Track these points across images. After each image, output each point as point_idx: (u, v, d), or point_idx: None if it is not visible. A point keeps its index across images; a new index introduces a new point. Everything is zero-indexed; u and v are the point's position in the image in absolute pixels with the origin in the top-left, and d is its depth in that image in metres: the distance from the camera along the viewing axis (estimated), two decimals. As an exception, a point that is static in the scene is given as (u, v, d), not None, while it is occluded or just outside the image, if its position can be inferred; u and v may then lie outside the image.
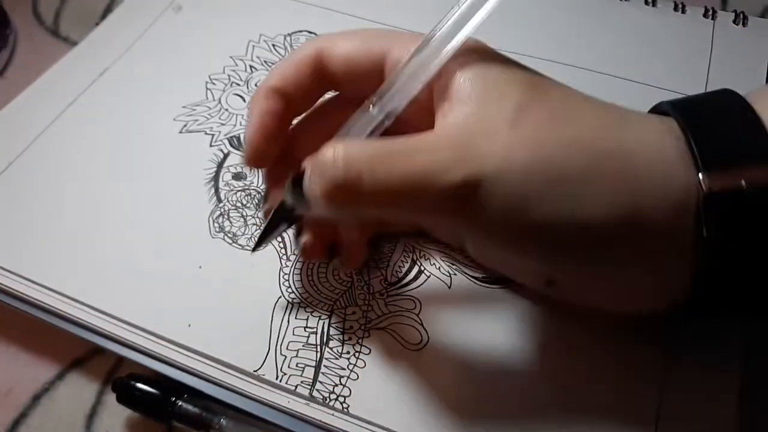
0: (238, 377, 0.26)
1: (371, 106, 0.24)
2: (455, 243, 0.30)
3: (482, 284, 0.29)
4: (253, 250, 0.28)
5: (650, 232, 0.22)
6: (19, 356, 0.30)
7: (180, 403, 0.27)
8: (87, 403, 0.29)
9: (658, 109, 0.25)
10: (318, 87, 0.27)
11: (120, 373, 0.29)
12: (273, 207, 0.26)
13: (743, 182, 0.20)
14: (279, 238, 0.31)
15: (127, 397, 0.27)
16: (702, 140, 0.21)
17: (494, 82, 0.23)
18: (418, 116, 0.24)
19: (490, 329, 0.28)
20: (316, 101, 0.28)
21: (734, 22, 0.39)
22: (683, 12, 0.40)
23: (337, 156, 0.22)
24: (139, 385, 0.27)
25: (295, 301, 0.29)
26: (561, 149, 0.21)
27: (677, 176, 0.21)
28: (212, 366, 0.27)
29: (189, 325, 0.28)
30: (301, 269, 0.30)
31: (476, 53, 0.23)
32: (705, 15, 0.40)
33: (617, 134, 0.22)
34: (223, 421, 0.26)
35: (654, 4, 0.41)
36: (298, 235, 0.28)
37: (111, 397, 0.28)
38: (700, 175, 0.21)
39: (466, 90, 0.23)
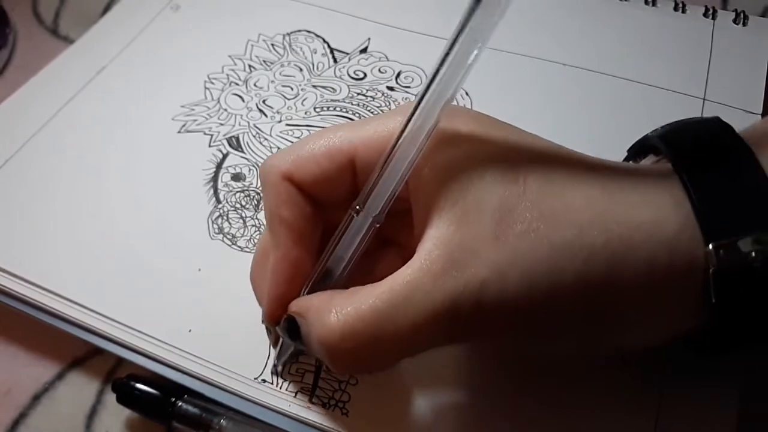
0: (238, 383, 0.26)
1: (355, 214, 0.23)
2: None
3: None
4: (279, 374, 0.27)
5: (655, 315, 0.22)
6: (18, 356, 0.30)
7: (180, 404, 0.27)
8: (87, 403, 0.29)
9: (647, 143, 0.24)
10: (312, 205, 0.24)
11: (120, 374, 0.29)
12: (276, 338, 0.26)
13: (753, 254, 0.20)
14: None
15: (126, 397, 0.27)
16: (708, 211, 0.20)
17: (467, 185, 0.21)
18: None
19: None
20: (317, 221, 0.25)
21: (734, 21, 0.39)
22: (683, 12, 0.40)
23: (339, 330, 0.21)
24: (139, 386, 0.27)
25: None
26: (552, 262, 0.20)
27: (682, 253, 0.20)
28: (213, 371, 0.27)
29: (189, 330, 0.28)
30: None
31: (445, 143, 0.22)
32: (705, 15, 0.40)
33: (610, 224, 0.20)
34: (222, 422, 0.26)
35: (654, 3, 0.41)
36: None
37: (111, 398, 0.28)
38: (709, 249, 0.20)
39: (440, 200, 0.21)
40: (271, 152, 0.34)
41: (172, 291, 0.29)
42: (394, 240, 0.26)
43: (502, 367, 0.27)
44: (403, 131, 0.21)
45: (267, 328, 0.27)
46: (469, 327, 0.21)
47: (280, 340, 0.26)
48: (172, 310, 0.28)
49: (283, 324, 0.24)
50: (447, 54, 0.20)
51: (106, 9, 0.44)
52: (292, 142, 0.35)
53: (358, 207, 0.22)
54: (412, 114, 0.21)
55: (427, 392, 0.26)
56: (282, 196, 0.23)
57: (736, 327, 0.21)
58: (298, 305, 0.23)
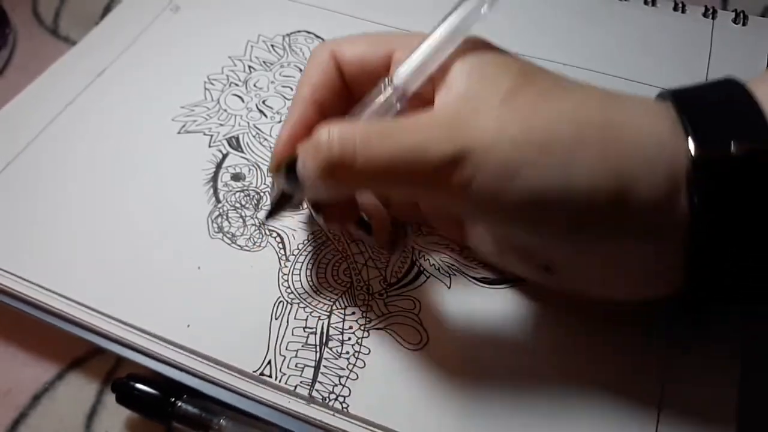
0: (237, 378, 0.26)
1: (384, 86, 0.25)
2: (454, 235, 0.30)
3: (482, 285, 0.29)
4: (263, 223, 0.30)
5: (638, 203, 0.21)
6: (18, 356, 0.30)
7: (179, 404, 0.27)
8: (87, 403, 0.29)
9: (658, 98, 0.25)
10: (344, 88, 0.27)
11: (120, 374, 0.29)
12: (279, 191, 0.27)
13: (732, 148, 0.20)
14: (278, 240, 0.31)
15: (126, 397, 0.27)
16: (694, 113, 0.22)
17: (488, 70, 0.24)
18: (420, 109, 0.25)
19: (489, 329, 0.28)
20: (342, 105, 0.27)
21: (734, 21, 0.39)
22: (683, 11, 0.40)
23: (332, 136, 0.23)
24: (139, 386, 0.27)
25: (294, 301, 0.29)
26: (549, 121, 0.22)
27: (666, 147, 0.21)
28: (211, 366, 0.27)
29: (188, 326, 0.28)
30: (300, 270, 0.30)
31: (474, 45, 0.24)
32: (705, 14, 0.40)
33: (606, 108, 0.23)
34: (222, 421, 0.26)
35: (654, 3, 0.41)
36: (317, 211, 0.29)
37: (111, 398, 0.28)
38: (690, 142, 0.21)
39: (462, 77, 0.24)
40: (271, 152, 0.34)
41: (171, 288, 0.29)
42: None
43: (502, 365, 0.27)
44: (442, 22, 0.25)
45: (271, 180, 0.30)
46: (458, 170, 0.22)
47: (276, 191, 0.27)
48: (171, 306, 0.28)
49: (284, 163, 0.25)
50: None
51: (106, 9, 0.44)
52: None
53: (387, 80, 0.25)
54: (448, 15, 0.24)
55: (427, 387, 0.26)
56: (322, 66, 0.27)
57: (720, 242, 0.21)
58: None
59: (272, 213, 0.27)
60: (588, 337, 0.28)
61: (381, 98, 0.25)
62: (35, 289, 0.29)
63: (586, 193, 0.21)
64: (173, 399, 0.27)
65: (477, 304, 0.29)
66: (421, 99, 0.25)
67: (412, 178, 0.23)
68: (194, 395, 0.27)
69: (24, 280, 0.29)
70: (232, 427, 0.26)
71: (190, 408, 0.27)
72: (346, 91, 0.27)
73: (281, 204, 0.27)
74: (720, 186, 0.21)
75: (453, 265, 0.30)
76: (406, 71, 0.24)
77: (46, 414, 0.29)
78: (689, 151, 0.21)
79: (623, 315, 0.28)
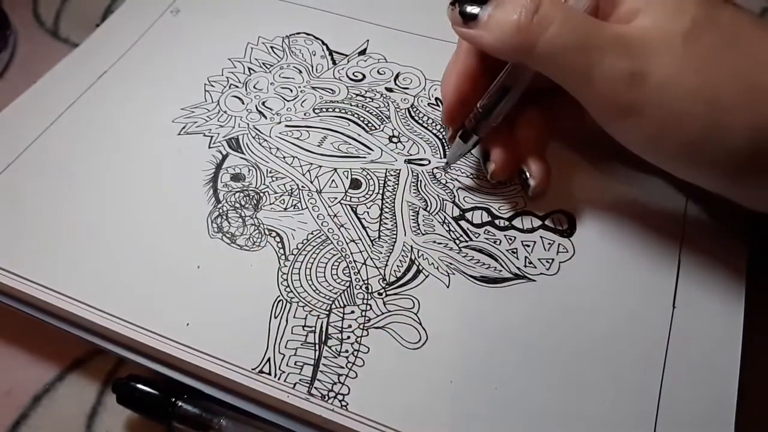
0: (236, 374, 0.26)
1: None
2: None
3: (480, 284, 0.29)
4: (445, 171, 0.33)
5: None
6: (19, 357, 0.30)
7: (180, 404, 0.27)
8: (87, 403, 0.29)
9: None
10: None
11: (120, 374, 0.29)
12: (454, 134, 0.31)
13: None
14: (277, 239, 0.31)
15: (127, 397, 0.27)
16: None
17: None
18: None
19: (488, 328, 0.28)
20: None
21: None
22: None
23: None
24: (140, 386, 0.27)
25: (293, 300, 0.29)
26: (722, 80, 0.24)
27: None
28: (211, 362, 0.27)
29: (187, 324, 0.28)
30: (299, 269, 0.30)
31: None
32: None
33: None
34: (222, 421, 0.26)
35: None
36: (486, 161, 0.32)
37: (111, 398, 0.28)
38: None
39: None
40: (271, 153, 0.34)
41: (171, 287, 0.29)
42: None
43: (500, 365, 0.27)
44: None
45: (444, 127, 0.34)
46: (632, 89, 0.24)
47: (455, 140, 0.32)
48: (171, 305, 0.29)
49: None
50: None
51: (107, 11, 0.45)
52: (291, 143, 0.35)
53: None
54: None
55: (426, 385, 0.26)
56: None
57: None
58: None
59: (452, 158, 0.32)
60: (586, 339, 0.28)
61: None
62: (35, 287, 0.29)
63: (739, 152, 0.24)
64: (174, 399, 0.27)
65: (476, 302, 0.29)
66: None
67: (583, 81, 0.25)
68: (195, 395, 0.27)
69: (24, 278, 0.29)
70: (233, 427, 0.26)
71: (190, 408, 0.27)
72: None
73: (457, 146, 0.31)
74: None
75: (452, 264, 0.30)
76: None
77: (46, 415, 0.29)
78: None
79: (621, 316, 0.28)
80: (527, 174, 0.31)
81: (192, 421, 0.27)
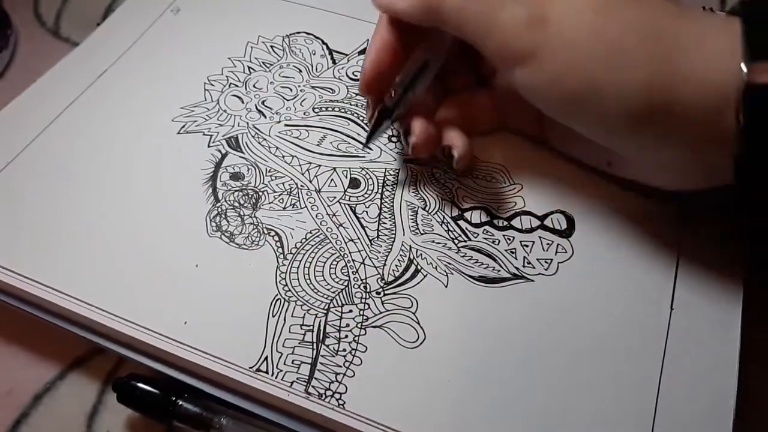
0: (233, 372, 0.27)
1: None
2: (534, 130, 0.33)
3: (479, 284, 0.29)
4: (365, 145, 0.33)
5: (684, 116, 0.24)
6: (19, 356, 0.30)
7: (180, 403, 0.27)
8: (88, 402, 0.29)
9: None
10: None
11: (120, 373, 0.29)
12: (376, 111, 0.31)
13: None
14: (276, 238, 0.31)
15: (127, 396, 0.27)
16: (755, 35, 0.23)
17: None
18: None
19: (485, 328, 0.28)
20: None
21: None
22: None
23: None
24: (140, 385, 0.27)
25: (291, 299, 0.29)
26: (623, 26, 0.24)
27: (722, 65, 0.23)
28: (208, 360, 0.27)
29: (185, 322, 0.28)
30: (297, 268, 0.30)
31: None
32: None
33: (678, 22, 0.24)
34: (223, 420, 0.26)
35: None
36: (406, 135, 0.31)
37: (112, 397, 0.28)
38: (744, 66, 0.22)
39: None
40: (270, 152, 0.34)
41: (169, 285, 0.29)
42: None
43: (498, 364, 0.27)
44: None
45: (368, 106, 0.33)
46: (532, 40, 0.25)
47: (374, 115, 0.31)
48: (169, 303, 0.29)
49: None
50: None
51: (108, 10, 0.45)
52: (291, 142, 0.35)
53: None
54: None
55: (423, 385, 0.27)
56: None
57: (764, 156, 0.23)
58: None
59: (375, 128, 0.31)
60: (584, 338, 0.28)
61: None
62: (33, 285, 0.29)
63: (636, 99, 0.24)
64: (174, 398, 0.27)
65: (474, 302, 0.29)
66: None
67: (486, 29, 0.26)
68: (195, 394, 0.27)
69: (23, 276, 0.29)
70: (233, 426, 0.26)
71: (190, 407, 0.27)
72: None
73: (383, 118, 0.31)
74: (764, 110, 0.23)
75: (450, 263, 0.30)
76: None
77: (47, 414, 0.29)
78: (742, 73, 0.22)
79: (620, 316, 0.28)
80: (451, 147, 0.31)
81: (192, 420, 0.27)
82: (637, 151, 0.27)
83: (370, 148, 0.34)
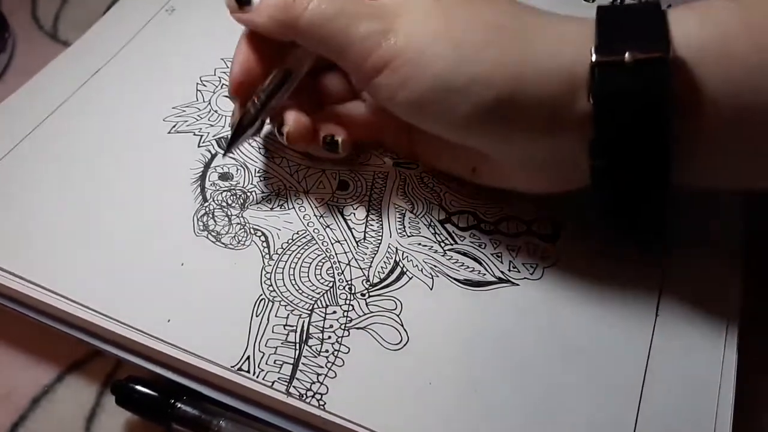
0: (216, 369, 0.27)
1: None
2: (402, 142, 0.34)
3: (463, 286, 0.29)
4: (224, 154, 0.33)
5: (536, 98, 0.24)
6: (18, 359, 0.30)
7: (179, 405, 0.27)
8: (86, 405, 0.29)
9: None
10: None
11: (119, 376, 0.29)
12: (239, 117, 0.31)
13: (627, 55, 0.23)
14: (262, 239, 0.31)
15: (126, 399, 0.27)
16: (604, 26, 0.24)
17: None
18: None
19: (470, 331, 0.28)
20: None
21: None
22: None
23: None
24: (139, 388, 0.27)
25: (275, 299, 0.29)
26: (467, 22, 0.26)
27: (570, 51, 0.24)
28: (191, 357, 0.27)
29: (168, 320, 0.28)
30: (283, 268, 0.30)
31: None
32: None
33: (523, 18, 0.26)
34: (222, 422, 0.26)
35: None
36: (280, 127, 0.31)
37: (110, 400, 0.28)
38: (591, 50, 0.24)
39: None
40: (260, 153, 0.35)
41: (154, 283, 0.29)
42: None
43: (481, 367, 0.27)
44: None
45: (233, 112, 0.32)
46: (383, 53, 0.26)
47: (238, 119, 0.31)
48: (153, 300, 0.29)
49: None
50: None
51: (106, 12, 0.45)
52: (280, 143, 0.35)
53: None
54: None
55: (405, 387, 0.26)
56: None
57: (615, 141, 0.24)
58: None
59: (233, 138, 0.31)
60: (569, 341, 0.28)
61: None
62: (27, 286, 0.29)
63: (484, 92, 0.25)
64: (173, 400, 0.27)
65: (458, 305, 0.29)
66: None
67: (342, 46, 0.27)
68: (194, 397, 0.27)
69: (17, 277, 0.29)
70: (232, 429, 0.26)
71: (189, 409, 0.27)
72: None
73: (247, 125, 0.31)
74: (612, 89, 0.24)
75: (436, 266, 0.30)
76: None
77: (45, 417, 0.29)
78: (590, 56, 0.24)
79: (605, 320, 0.28)
80: (333, 135, 0.31)
81: (191, 423, 0.27)
82: (492, 146, 0.27)
83: (231, 156, 0.34)
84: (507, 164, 0.28)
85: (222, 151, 0.34)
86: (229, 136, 0.31)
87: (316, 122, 0.31)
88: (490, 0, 0.27)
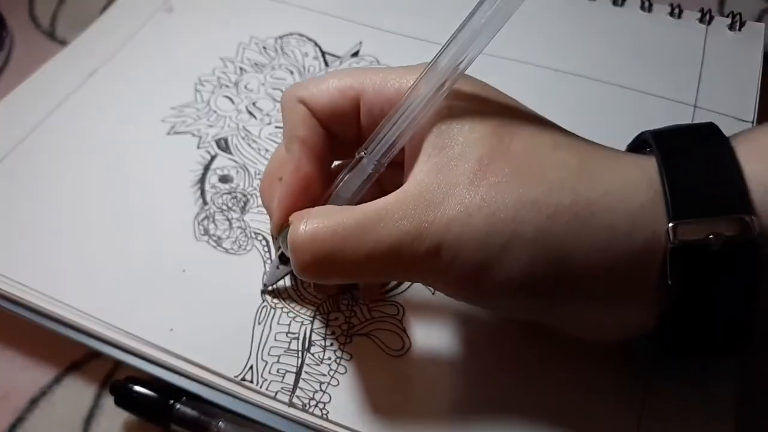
0: (219, 380, 0.26)
1: (361, 157, 0.24)
2: None
3: (466, 290, 0.29)
4: (263, 292, 0.29)
5: (610, 282, 0.22)
6: (16, 360, 0.30)
7: (178, 406, 0.27)
8: (85, 406, 0.29)
9: (640, 139, 0.25)
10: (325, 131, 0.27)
11: (117, 377, 0.29)
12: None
13: (711, 236, 0.20)
14: (264, 243, 0.31)
15: (125, 400, 0.27)
16: (676, 189, 0.21)
17: (458, 136, 0.23)
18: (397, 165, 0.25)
19: (472, 337, 0.28)
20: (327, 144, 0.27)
21: (730, 27, 0.39)
22: (679, 17, 0.40)
23: (305, 236, 0.23)
24: (137, 388, 0.27)
25: (277, 306, 0.29)
26: (516, 212, 0.21)
27: (643, 226, 0.21)
28: (194, 369, 0.27)
29: (171, 329, 0.28)
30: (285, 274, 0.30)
31: (449, 110, 0.23)
32: (701, 20, 0.39)
33: (579, 187, 0.22)
34: (221, 424, 0.26)
35: (650, 9, 0.40)
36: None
37: (109, 401, 0.28)
38: (670, 226, 0.21)
39: (429, 146, 0.23)
40: (260, 154, 0.34)
41: (156, 291, 0.29)
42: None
43: (483, 373, 0.27)
44: (414, 89, 0.23)
45: (274, 240, 0.29)
46: (432, 262, 0.22)
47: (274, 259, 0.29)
48: (155, 309, 0.28)
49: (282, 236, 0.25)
50: (468, 19, 0.22)
51: (103, 11, 0.44)
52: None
53: (364, 151, 0.24)
54: (425, 73, 0.23)
55: (408, 393, 0.26)
56: (299, 116, 0.26)
57: (693, 316, 0.22)
58: (293, 215, 0.25)
59: (272, 278, 0.29)
60: (571, 349, 0.27)
61: (362, 175, 0.25)
62: (25, 290, 0.29)
63: (552, 286, 0.22)
64: (172, 401, 0.27)
65: (460, 310, 0.28)
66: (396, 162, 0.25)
67: (391, 273, 0.24)
68: (193, 398, 0.27)
69: (14, 281, 0.29)
70: (231, 430, 0.26)
71: (188, 410, 0.26)
72: (328, 134, 0.27)
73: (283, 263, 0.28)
74: (693, 271, 0.21)
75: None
76: (379, 149, 0.24)
77: (43, 418, 0.29)
78: (668, 235, 0.21)
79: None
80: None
81: (190, 424, 0.26)
82: (557, 318, 0.24)
83: (231, 157, 0.33)
84: (564, 324, 0.25)
85: (221, 152, 0.34)
86: (268, 276, 0.29)
87: None
88: (538, 157, 0.22)
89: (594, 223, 0.21)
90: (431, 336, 0.28)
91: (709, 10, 0.39)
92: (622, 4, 0.41)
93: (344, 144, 0.27)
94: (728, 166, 0.21)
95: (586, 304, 0.22)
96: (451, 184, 0.22)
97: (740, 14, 0.39)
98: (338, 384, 0.26)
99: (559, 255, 0.21)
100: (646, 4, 0.40)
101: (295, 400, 0.26)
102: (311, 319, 0.28)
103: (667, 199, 0.21)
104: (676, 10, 0.40)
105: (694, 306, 0.22)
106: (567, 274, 0.21)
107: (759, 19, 0.41)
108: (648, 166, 0.22)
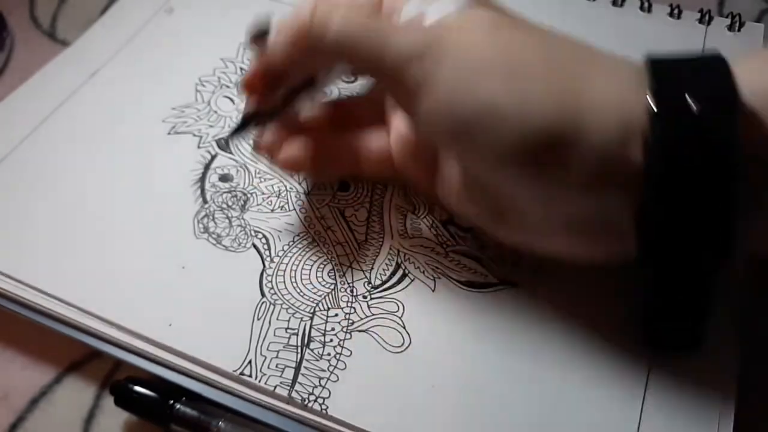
0: (217, 375, 0.26)
1: None
2: (423, 180, 0.30)
3: (466, 288, 0.29)
4: (226, 140, 0.33)
5: (586, 148, 0.21)
6: (16, 360, 0.30)
7: (178, 406, 0.27)
8: (85, 406, 0.29)
9: None
10: None
11: (118, 377, 0.29)
12: (249, 112, 0.30)
13: (693, 105, 0.20)
14: (263, 241, 0.31)
15: (125, 400, 0.27)
16: (660, 71, 0.22)
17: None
18: None
19: (472, 333, 0.28)
20: None
21: (729, 27, 0.39)
22: (678, 17, 0.40)
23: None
24: (137, 388, 0.27)
25: (277, 302, 0.29)
26: (524, 47, 0.23)
27: (626, 100, 0.21)
28: (192, 363, 0.27)
29: (170, 325, 0.28)
30: (284, 271, 0.30)
31: None
32: (701, 21, 0.39)
33: (579, 56, 0.23)
34: (221, 423, 0.26)
35: (649, 9, 0.41)
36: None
37: (109, 401, 0.28)
38: (649, 96, 0.21)
39: None
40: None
41: (155, 287, 0.29)
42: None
43: (483, 370, 0.27)
44: None
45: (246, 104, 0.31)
46: (423, 68, 0.23)
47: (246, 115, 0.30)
48: (154, 305, 0.29)
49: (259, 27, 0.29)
50: None
51: (104, 12, 0.45)
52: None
53: None
54: None
55: (408, 390, 0.26)
56: None
57: (672, 204, 0.21)
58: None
59: (239, 129, 0.30)
60: (572, 344, 0.27)
61: None
62: (25, 289, 0.29)
63: (537, 125, 0.22)
64: (172, 401, 0.27)
65: (461, 307, 0.29)
66: None
67: (373, 62, 0.24)
68: (193, 397, 0.27)
69: (14, 280, 0.29)
70: (231, 430, 0.26)
71: (188, 410, 0.26)
72: None
73: (251, 120, 0.30)
74: (673, 142, 0.20)
75: (438, 268, 0.30)
76: None
77: (43, 418, 0.29)
78: (648, 104, 0.21)
79: (608, 322, 0.28)
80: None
81: (190, 424, 0.26)
82: (531, 192, 0.24)
83: (228, 149, 0.34)
84: (541, 221, 0.25)
85: (222, 151, 0.34)
86: (234, 129, 0.30)
87: (325, 147, 0.30)
88: (546, 31, 0.24)
89: (583, 90, 0.22)
90: (432, 333, 0.28)
91: (709, 11, 0.40)
92: (621, 5, 0.41)
93: None
94: (716, 65, 0.21)
95: (557, 177, 0.22)
96: (465, 21, 0.24)
97: (740, 15, 0.39)
98: (338, 379, 0.26)
99: (542, 105, 0.22)
100: (646, 4, 0.40)
101: (294, 394, 0.26)
102: (311, 315, 0.28)
103: (650, 79, 0.21)
104: (676, 11, 0.40)
105: (673, 189, 0.21)
106: (542, 127, 0.22)
107: (758, 20, 0.41)
108: (640, 66, 0.23)
